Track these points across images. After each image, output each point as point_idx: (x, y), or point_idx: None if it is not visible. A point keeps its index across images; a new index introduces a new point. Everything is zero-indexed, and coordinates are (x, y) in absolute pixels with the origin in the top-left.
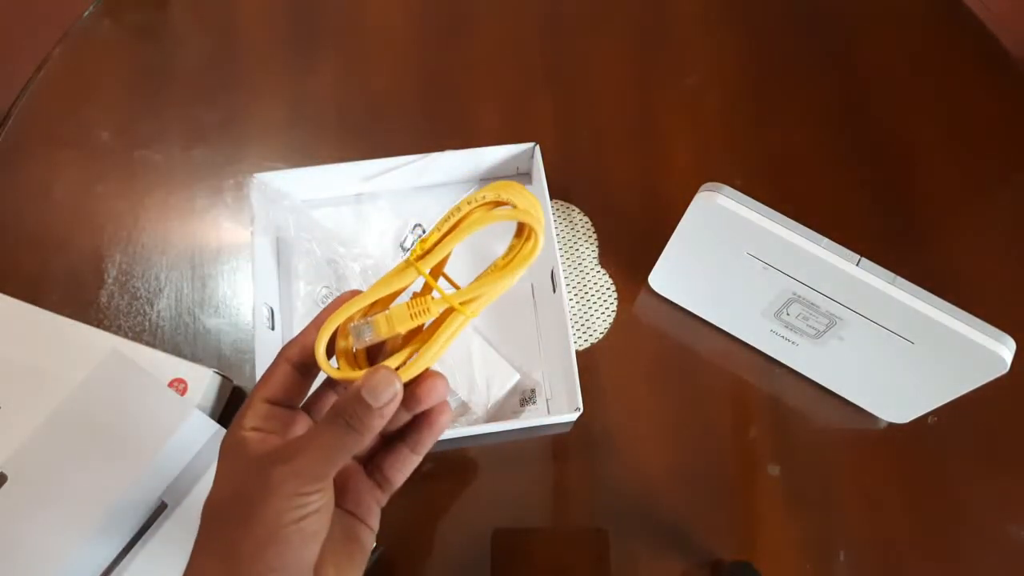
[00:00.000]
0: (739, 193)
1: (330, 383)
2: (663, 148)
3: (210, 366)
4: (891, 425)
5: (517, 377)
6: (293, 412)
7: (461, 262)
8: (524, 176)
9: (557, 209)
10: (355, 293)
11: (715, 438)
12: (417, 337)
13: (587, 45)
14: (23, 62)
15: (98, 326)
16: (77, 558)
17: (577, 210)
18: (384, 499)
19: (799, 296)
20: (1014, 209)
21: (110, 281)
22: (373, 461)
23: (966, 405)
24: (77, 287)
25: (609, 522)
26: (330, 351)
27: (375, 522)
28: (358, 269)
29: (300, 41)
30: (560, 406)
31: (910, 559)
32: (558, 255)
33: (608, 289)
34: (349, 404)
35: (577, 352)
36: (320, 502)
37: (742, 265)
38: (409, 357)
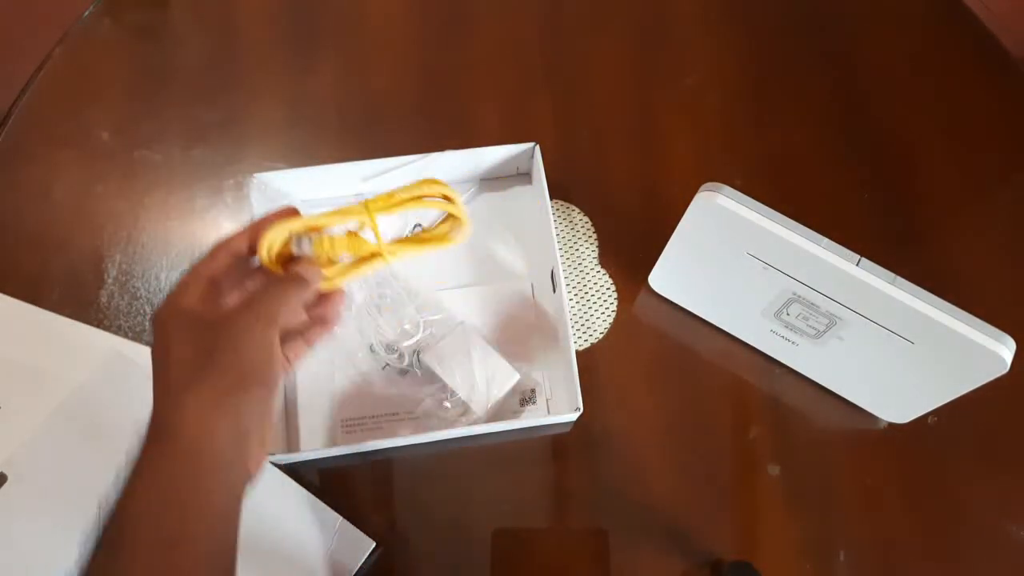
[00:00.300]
0: (739, 193)
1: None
2: (663, 148)
3: None
4: (891, 425)
5: (517, 377)
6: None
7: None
8: (524, 176)
9: (557, 209)
10: (294, 210)
11: (715, 438)
12: (336, 268)
13: (587, 45)
14: (23, 62)
15: (98, 326)
16: (77, 558)
17: (577, 210)
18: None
19: (799, 296)
20: (1014, 209)
21: (110, 281)
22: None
23: (966, 405)
24: (77, 287)
25: (609, 522)
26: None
27: None
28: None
29: (300, 41)
30: (560, 406)
31: (910, 559)
32: (558, 255)
33: (608, 289)
34: (291, 275)
35: (577, 352)
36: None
37: (742, 265)
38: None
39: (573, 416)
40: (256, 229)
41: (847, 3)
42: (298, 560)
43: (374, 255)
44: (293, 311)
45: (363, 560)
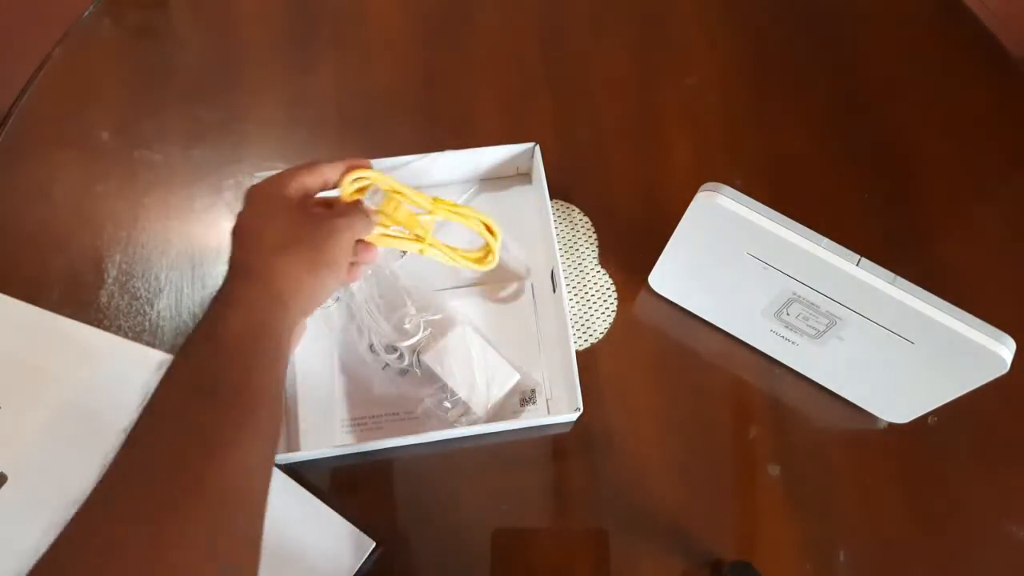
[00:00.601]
0: (739, 193)
1: None
2: (663, 148)
3: None
4: (891, 425)
5: (517, 377)
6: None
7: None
8: (524, 176)
9: (557, 209)
10: (366, 163)
11: (715, 438)
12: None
13: (587, 45)
14: (23, 62)
15: (98, 326)
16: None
17: (577, 210)
18: None
19: (799, 296)
20: (1014, 209)
21: (110, 281)
22: None
23: (966, 405)
24: (77, 287)
25: (609, 522)
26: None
27: None
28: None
29: (300, 41)
30: (560, 406)
31: (910, 559)
32: (558, 255)
33: (608, 289)
34: (367, 210)
35: (577, 352)
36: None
37: (742, 265)
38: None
39: (573, 416)
40: (350, 169)
41: (847, 3)
42: (298, 560)
43: (418, 238)
44: (363, 234)
45: (363, 560)
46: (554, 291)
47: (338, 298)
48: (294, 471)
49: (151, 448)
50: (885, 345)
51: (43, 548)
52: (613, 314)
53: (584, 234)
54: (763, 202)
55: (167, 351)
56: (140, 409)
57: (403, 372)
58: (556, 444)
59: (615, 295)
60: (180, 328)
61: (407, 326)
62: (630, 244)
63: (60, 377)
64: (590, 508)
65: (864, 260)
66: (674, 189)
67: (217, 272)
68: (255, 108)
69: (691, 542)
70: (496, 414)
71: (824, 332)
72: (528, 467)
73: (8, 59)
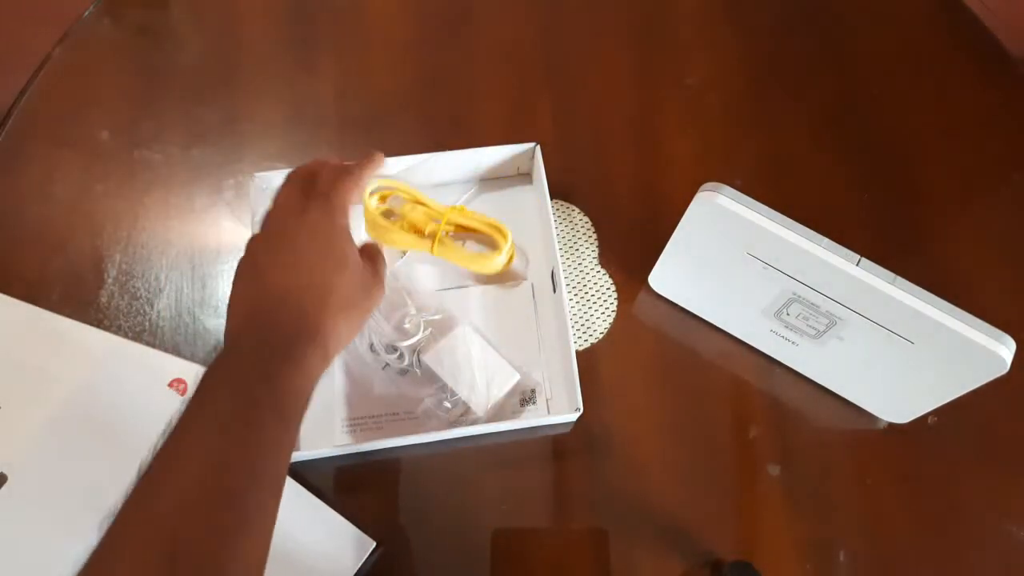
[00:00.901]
0: (739, 193)
1: None
2: (663, 148)
3: None
4: (891, 425)
5: (517, 377)
6: None
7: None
8: (524, 176)
9: (557, 209)
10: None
11: (715, 438)
12: (395, 231)
13: (587, 45)
14: (23, 62)
15: (98, 326)
16: (77, 558)
17: (577, 210)
18: None
19: (799, 296)
20: (1014, 209)
21: (110, 281)
22: None
23: (966, 405)
24: (77, 287)
25: (609, 522)
26: None
27: None
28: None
29: (300, 41)
30: (560, 406)
31: (910, 559)
32: (558, 255)
33: (608, 289)
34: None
35: (577, 352)
36: None
37: (742, 265)
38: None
39: (573, 416)
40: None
41: (847, 3)
42: (298, 560)
43: (431, 236)
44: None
45: (363, 560)
46: (554, 291)
47: None
48: (294, 471)
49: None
50: (885, 345)
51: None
52: (613, 314)
53: (584, 234)
54: (763, 202)
55: (167, 351)
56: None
57: (403, 372)
58: (556, 444)
59: (615, 295)
60: (180, 328)
61: (407, 326)
62: (630, 244)
63: (60, 377)
64: (590, 508)
65: (864, 260)
66: (674, 189)
67: (217, 272)
68: (255, 108)
69: (691, 542)
70: (496, 414)
71: (824, 332)
72: (528, 467)
73: (8, 59)
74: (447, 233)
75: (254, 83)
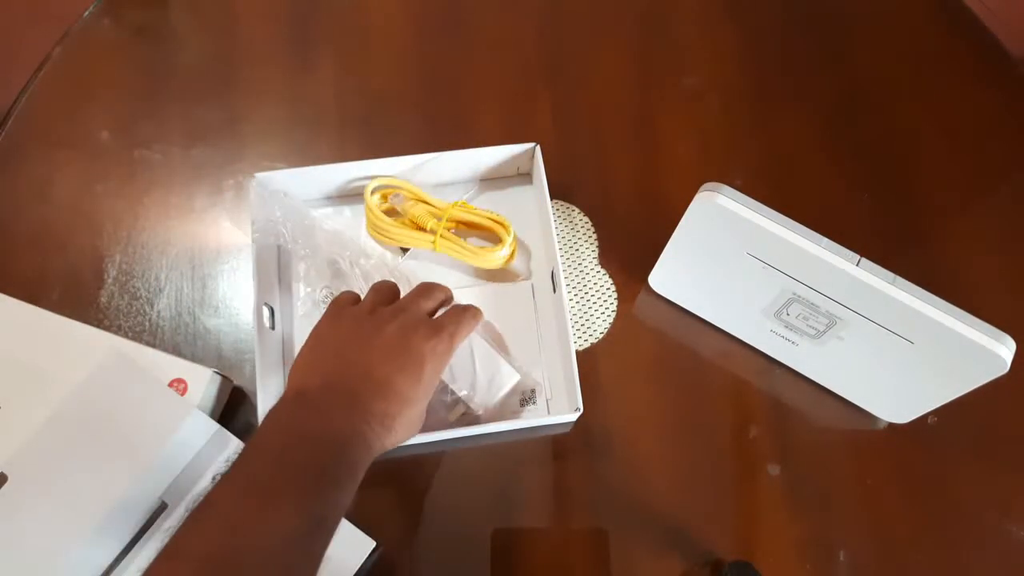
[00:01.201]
0: (739, 193)
1: None
2: (663, 148)
3: (210, 366)
4: (891, 425)
5: (518, 377)
6: None
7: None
8: (524, 176)
9: (557, 209)
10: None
11: (715, 438)
12: (396, 228)
13: (587, 45)
14: (23, 62)
15: (98, 326)
16: (77, 558)
17: (577, 210)
18: None
19: (799, 296)
20: (1014, 209)
21: (110, 281)
22: None
23: (966, 405)
24: (77, 287)
25: (609, 522)
26: None
27: None
28: (358, 270)
29: (300, 41)
30: (560, 406)
31: (910, 559)
32: (558, 255)
33: (608, 289)
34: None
35: (577, 352)
36: None
37: (742, 265)
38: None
39: (573, 416)
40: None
41: (847, 3)
42: None
43: (432, 231)
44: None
45: (364, 560)
46: (554, 291)
47: (331, 293)
48: None
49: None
50: (885, 345)
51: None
52: (613, 314)
53: (584, 234)
54: (763, 202)
55: (167, 351)
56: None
57: None
58: (556, 444)
59: (615, 295)
60: (180, 328)
61: None
62: (630, 244)
63: (60, 377)
64: (590, 508)
65: (864, 260)
66: (674, 189)
67: (217, 272)
68: (255, 108)
69: (691, 542)
70: (496, 414)
71: (824, 332)
72: (528, 467)
73: (8, 59)
74: (449, 229)
75: (254, 83)
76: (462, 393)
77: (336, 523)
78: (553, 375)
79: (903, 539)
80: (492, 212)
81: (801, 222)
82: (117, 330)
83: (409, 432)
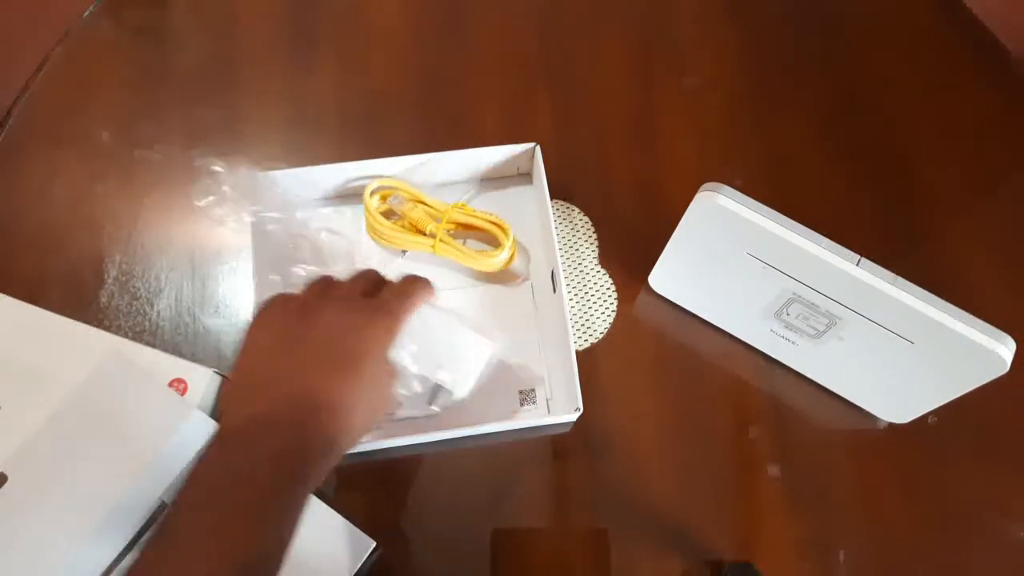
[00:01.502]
0: (739, 193)
1: None
2: (663, 148)
3: (210, 366)
4: (891, 425)
5: (492, 347)
6: None
7: None
8: (524, 176)
9: (557, 209)
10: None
11: (715, 438)
12: (396, 232)
13: (587, 45)
14: (23, 62)
15: (98, 326)
16: (77, 558)
17: (577, 210)
18: None
19: (799, 296)
20: (1014, 209)
21: (110, 281)
22: None
23: (966, 405)
24: (77, 287)
25: (609, 522)
26: None
27: None
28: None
29: (300, 41)
30: (560, 406)
31: (910, 559)
32: (558, 255)
33: (608, 289)
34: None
35: (577, 352)
36: None
37: (742, 265)
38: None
39: (573, 416)
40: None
41: (847, 3)
42: (298, 560)
43: (432, 234)
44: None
45: (363, 560)
46: (554, 291)
47: None
48: None
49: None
50: (885, 345)
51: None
52: (613, 314)
53: (584, 234)
54: (763, 202)
55: (167, 351)
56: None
57: None
58: (556, 444)
59: (615, 295)
60: (180, 328)
61: None
62: (630, 244)
63: (60, 377)
64: (590, 508)
65: (864, 260)
66: (674, 189)
67: (217, 272)
68: (255, 108)
69: (691, 542)
70: (476, 393)
71: (824, 332)
72: (528, 467)
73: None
74: (448, 231)
75: (254, 83)
76: (439, 378)
77: (285, 551)
78: (553, 375)
79: (903, 539)
80: (491, 215)
81: (801, 222)
82: (117, 330)
83: (362, 432)
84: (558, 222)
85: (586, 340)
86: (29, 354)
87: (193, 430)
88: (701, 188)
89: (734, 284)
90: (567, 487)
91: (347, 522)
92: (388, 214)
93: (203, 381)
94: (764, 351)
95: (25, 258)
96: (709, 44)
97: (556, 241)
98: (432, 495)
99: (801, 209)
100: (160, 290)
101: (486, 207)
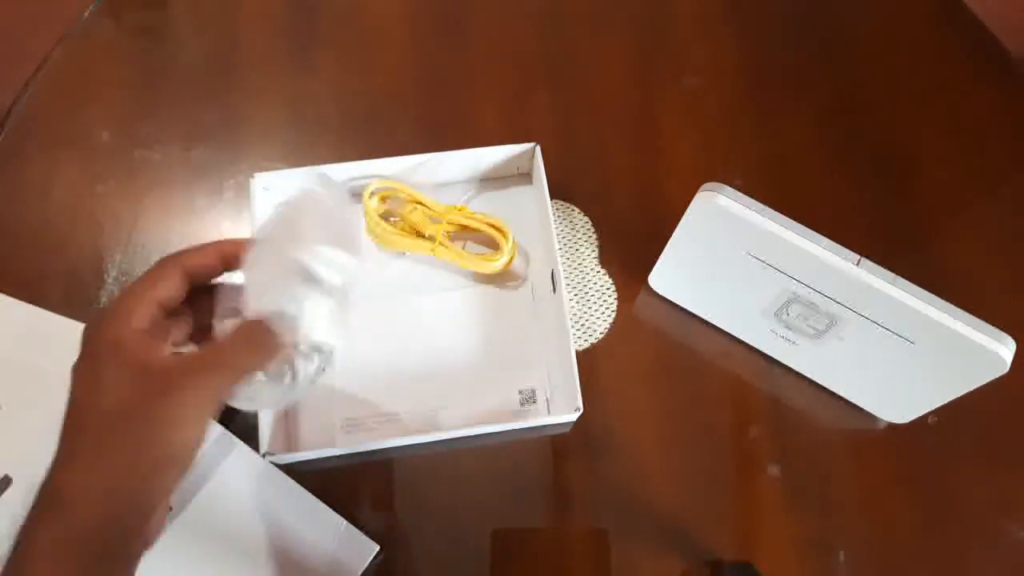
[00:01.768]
0: (739, 193)
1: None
2: (663, 148)
3: None
4: (891, 425)
5: (331, 278)
6: (171, 319)
7: None
8: (524, 176)
9: (557, 209)
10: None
11: (715, 438)
12: (394, 235)
13: (587, 45)
14: (23, 62)
15: None
16: None
17: (577, 210)
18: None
19: (799, 296)
20: (1014, 209)
21: (110, 281)
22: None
23: (966, 405)
24: (77, 287)
25: (609, 522)
26: None
27: None
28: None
29: (300, 41)
30: (560, 406)
31: (910, 559)
32: (558, 255)
33: (608, 289)
34: (261, 330)
35: (577, 352)
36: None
37: (742, 265)
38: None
39: (573, 416)
40: (221, 247)
41: (847, 3)
42: (301, 563)
43: (431, 237)
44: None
45: (367, 564)
46: (554, 291)
47: None
48: (297, 472)
49: None
50: (885, 345)
51: None
52: (613, 314)
53: (584, 234)
54: (763, 202)
55: None
56: None
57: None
58: (556, 444)
59: (615, 295)
60: None
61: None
62: (630, 244)
63: (61, 378)
64: (590, 508)
65: (864, 260)
66: (674, 189)
67: None
68: (255, 108)
69: (691, 542)
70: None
71: (824, 332)
72: (528, 467)
73: (8, 59)
74: (447, 234)
75: (254, 83)
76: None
77: None
78: (553, 375)
79: (903, 539)
80: (491, 217)
81: (801, 222)
82: None
83: (132, 482)
84: (558, 222)
85: (586, 340)
86: (29, 354)
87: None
88: (701, 188)
89: (734, 284)
90: (567, 487)
91: (350, 525)
92: (387, 216)
93: None
94: (764, 351)
95: (25, 258)
96: (709, 44)
97: (556, 241)
98: (432, 495)
99: (801, 209)
100: None
101: (486, 207)
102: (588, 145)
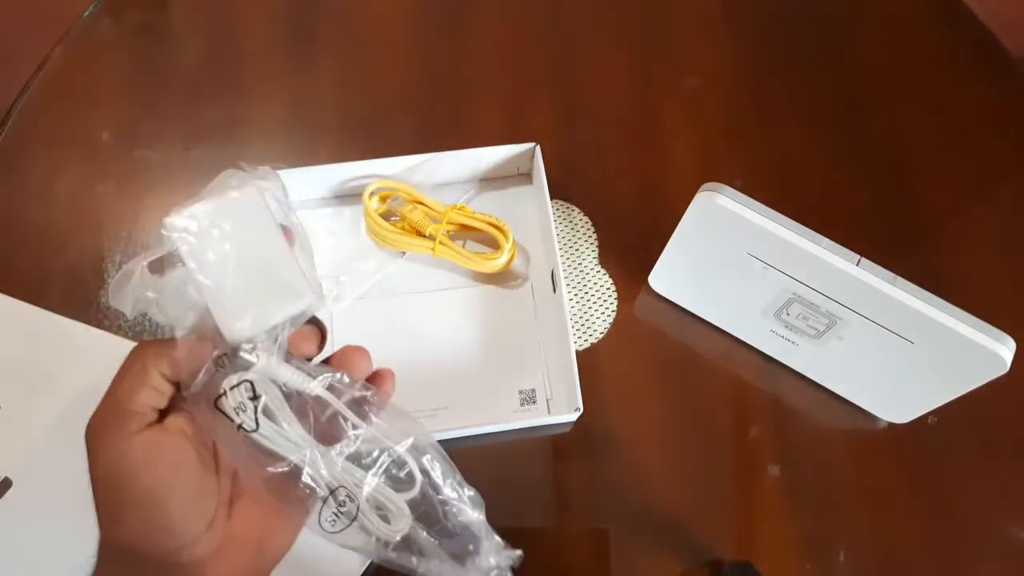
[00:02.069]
0: (739, 193)
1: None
2: (663, 148)
3: None
4: (891, 425)
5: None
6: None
7: None
8: (524, 176)
9: (557, 209)
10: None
11: (715, 438)
12: (395, 234)
13: (587, 45)
14: (23, 62)
15: (98, 326)
16: (82, 563)
17: (577, 210)
18: None
19: (799, 296)
20: (1014, 209)
21: (110, 281)
22: None
23: (966, 405)
24: (77, 287)
25: (609, 522)
26: None
27: None
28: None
29: (300, 41)
30: (560, 406)
31: (910, 559)
32: (558, 255)
33: (608, 289)
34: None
35: (577, 352)
36: None
37: (742, 265)
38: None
39: (573, 416)
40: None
41: (847, 3)
42: (303, 562)
43: (431, 236)
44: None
45: (367, 564)
46: (554, 291)
47: None
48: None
49: None
50: (885, 345)
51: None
52: (613, 314)
53: (584, 234)
54: (763, 202)
55: None
56: None
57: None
58: (556, 444)
59: (615, 295)
60: None
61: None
62: (630, 244)
63: (61, 378)
64: (590, 508)
65: (864, 260)
66: (674, 189)
67: None
68: (255, 108)
69: (691, 542)
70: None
71: (824, 332)
72: (528, 467)
73: (8, 59)
74: (447, 233)
75: (254, 83)
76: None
77: None
78: (553, 375)
79: (903, 539)
80: (491, 216)
81: (801, 222)
82: (117, 330)
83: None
84: (558, 222)
85: (586, 340)
86: (29, 354)
87: None
88: (701, 188)
89: (734, 284)
90: (567, 487)
91: None
92: (387, 215)
93: None
94: (764, 351)
95: (26, 258)
96: (709, 44)
97: (556, 241)
98: None
99: (801, 209)
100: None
101: (486, 207)
102: (588, 145)
